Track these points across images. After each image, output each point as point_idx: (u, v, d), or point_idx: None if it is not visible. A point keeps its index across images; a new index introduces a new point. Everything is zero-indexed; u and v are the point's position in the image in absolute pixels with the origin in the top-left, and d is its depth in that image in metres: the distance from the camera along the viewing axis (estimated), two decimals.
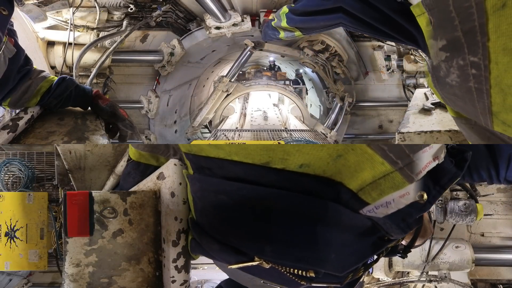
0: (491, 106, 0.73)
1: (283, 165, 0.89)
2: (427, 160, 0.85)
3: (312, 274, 1.00)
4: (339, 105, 5.16)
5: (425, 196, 0.90)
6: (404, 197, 0.88)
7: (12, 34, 1.58)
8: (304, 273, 1.01)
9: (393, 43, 4.61)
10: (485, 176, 1.31)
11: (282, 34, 2.04)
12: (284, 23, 1.86)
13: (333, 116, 5.24)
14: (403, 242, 1.37)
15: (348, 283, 1.12)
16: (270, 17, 2.27)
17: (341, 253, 0.98)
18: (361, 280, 3.08)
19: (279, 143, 3.50)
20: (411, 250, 1.34)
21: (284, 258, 1.01)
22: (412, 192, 0.88)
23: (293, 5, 1.75)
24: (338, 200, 0.90)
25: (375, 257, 1.13)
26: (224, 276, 1.53)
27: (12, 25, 1.59)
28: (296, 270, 1.01)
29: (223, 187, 1.02)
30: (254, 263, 1.03)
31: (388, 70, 4.78)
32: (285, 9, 1.86)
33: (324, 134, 4.88)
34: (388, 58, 4.73)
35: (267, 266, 1.03)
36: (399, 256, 1.32)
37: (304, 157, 0.87)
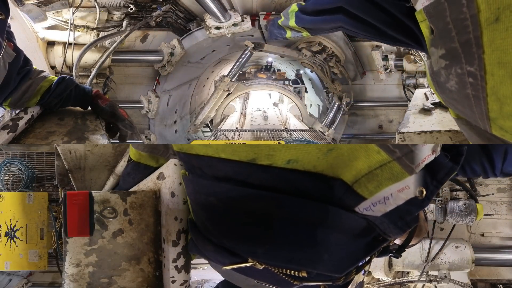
0: (488, 113, 0.73)
1: (270, 161, 0.86)
2: (426, 153, 0.82)
3: (305, 274, 0.99)
4: (337, 104, 5.18)
5: (424, 192, 0.86)
6: (403, 191, 0.83)
7: (10, 36, 1.58)
8: (296, 273, 1.00)
9: None
10: (479, 171, 1.29)
11: (289, 34, 1.95)
12: (292, 22, 1.77)
13: (331, 115, 5.27)
14: (397, 242, 1.36)
15: (340, 286, 1.12)
16: (271, 16, 2.22)
17: (334, 254, 0.96)
18: (362, 280, 3.09)
19: (279, 143, 3.50)
20: (405, 249, 1.33)
21: (276, 259, 1.00)
22: (412, 186, 0.83)
23: (303, 3, 1.66)
24: (332, 197, 0.86)
25: (367, 258, 1.11)
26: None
27: (9, 27, 1.59)
28: (288, 271, 1.00)
29: (212, 189, 1.02)
30: (247, 264, 1.03)
31: (385, 70, 4.77)
32: (294, 7, 1.76)
33: (322, 132, 4.91)
34: (385, 58, 4.73)
35: (260, 267, 1.02)
36: (392, 256, 1.30)
37: (291, 153, 0.84)
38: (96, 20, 3.71)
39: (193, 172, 1.14)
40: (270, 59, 9.43)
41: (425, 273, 3.11)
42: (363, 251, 0.99)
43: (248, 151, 0.87)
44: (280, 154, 0.84)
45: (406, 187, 0.83)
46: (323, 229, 0.91)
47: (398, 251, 1.31)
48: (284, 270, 1.01)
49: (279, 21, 2.01)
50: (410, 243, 1.39)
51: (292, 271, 1.00)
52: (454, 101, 0.84)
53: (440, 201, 2.98)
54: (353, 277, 1.09)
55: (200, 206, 1.13)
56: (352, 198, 0.86)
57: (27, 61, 1.69)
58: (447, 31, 0.70)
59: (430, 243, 3.08)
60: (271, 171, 0.87)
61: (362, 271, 1.29)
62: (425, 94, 2.36)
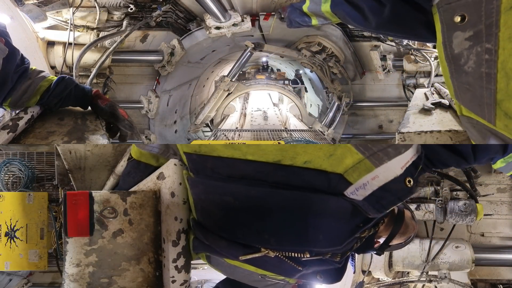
0: (496, 94, 0.89)
1: (292, 162, 1.13)
2: (392, 154, 1.13)
3: (308, 255, 1.24)
4: (336, 104, 5.18)
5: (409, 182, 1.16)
6: (375, 179, 1.13)
7: (3, 35, 1.58)
8: (301, 255, 1.23)
9: (392, 43, 4.61)
10: (451, 163, 1.44)
11: (315, 21, 1.82)
12: (326, 7, 1.63)
13: (331, 114, 5.28)
14: (380, 241, 1.41)
15: (335, 270, 1.34)
16: (271, 17, 2.12)
17: (327, 234, 1.21)
18: (362, 280, 3.09)
19: (279, 143, 3.50)
20: (388, 246, 1.40)
21: (285, 244, 1.22)
22: (380, 175, 1.12)
23: None
24: (329, 185, 1.14)
25: (352, 248, 1.34)
26: (223, 276, 1.53)
27: (5, 28, 1.60)
28: (295, 254, 1.23)
29: (229, 189, 1.18)
30: (261, 254, 1.21)
31: (384, 70, 4.77)
32: None
33: (321, 132, 4.92)
34: (384, 58, 4.73)
35: (272, 255, 1.22)
36: (374, 253, 1.48)
37: (308, 156, 1.13)
38: (96, 20, 3.71)
39: (200, 173, 1.18)
40: (264, 59, 9.40)
41: (425, 273, 3.11)
42: (349, 233, 1.24)
43: (277, 154, 1.13)
44: (301, 157, 1.13)
45: (376, 176, 1.12)
46: (318, 215, 1.17)
47: (381, 249, 1.41)
48: (292, 254, 1.23)
49: (304, 7, 1.84)
50: (397, 242, 1.44)
51: (298, 254, 1.22)
52: (466, 87, 0.99)
53: (440, 201, 2.98)
54: (339, 260, 1.31)
55: (213, 205, 1.24)
56: (343, 183, 1.14)
57: (23, 60, 1.69)
58: (479, 17, 0.91)
59: (430, 243, 3.08)
60: (290, 170, 1.13)
61: (353, 269, 1.46)
62: (425, 94, 2.36)
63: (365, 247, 1.39)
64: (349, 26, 4.51)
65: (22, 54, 1.68)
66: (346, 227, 1.22)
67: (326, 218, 1.18)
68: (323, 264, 1.30)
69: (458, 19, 0.96)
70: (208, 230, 1.28)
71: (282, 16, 2.20)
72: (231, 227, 1.24)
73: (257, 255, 1.22)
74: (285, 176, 1.14)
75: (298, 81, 9.11)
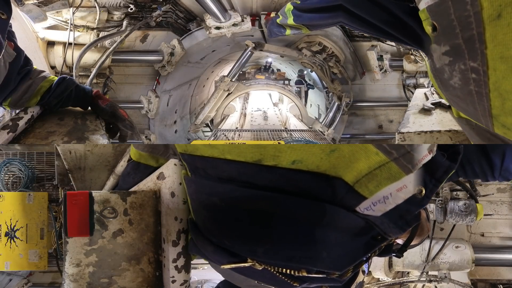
0: (491, 109, 0.75)
1: (275, 162, 0.88)
2: (423, 153, 0.84)
3: (305, 273, 1.00)
4: (336, 104, 5.19)
5: (423, 191, 0.89)
6: (401, 190, 0.86)
7: (11, 36, 1.58)
8: (296, 272, 1.01)
9: (392, 43, 4.61)
10: (478, 171, 1.31)
11: (288, 32, 2.01)
12: (290, 21, 1.82)
13: (331, 114, 5.28)
14: (399, 241, 1.36)
15: (343, 285, 1.13)
16: (272, 15, 2.26)
17: (333, 252, 0.97)
18: (362, 280, 3.08)
19: (279, 143, 3.50)
20: (407, 249, 1.32)
21: (276, 258, 1.00)
22: (410, 185, 0.86)
23: (298, 1, 1.72)
24: (334, 196, 0.88)
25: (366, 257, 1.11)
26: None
27: (10, 26, 1.59)
28: (288, 270, 1.01)
29: (215, 189, 1.03)
30: (246, 264, 1.03)
31: (381, 70, 4.77)
32: (289, 6, 1.80)
33: (321, 132, 4.92)
34: (380, 58, 4.73)
35: (259, 267, 1.03)
36: (394, 255, 1.30)
37: (296, 153, 0.86)
38: (96, 20, 3.71)
39: (196, 173, 1.14)
40: (270, 60, 9.42)
41: (425, 273, 3.11)
42: (362, 250, 1.00)
43: (254, 152, 0.89)
44: (286, 155, 0.87)
45: (404, 186, 0.86)
46: (322, 228, 0.93)
47: (400, 251, 1.31)
48: (284, 270, 1.01)
49: (278, 20, 2.05)
50: (412, 243, 1.39)
51: (292, 271, 1.01)
52: (457, 99, 0.85)
53: (440, 201, 2.98)
54: (350, 275, 1.10)
55: (202, 206, 1.14)
56: (353, 197, 0.88)
57: (27, 61, 1.69)
58: (452, 28, 0.72)
59: (430, 243, 3.08)
60: (276, 172, 0.89)
61: (366, 271, 1.29)
62: (425, 94, 2.35)
63: (384, 252, 1.20)
64: (346, 27, 4.54)
65: (26, 55, 1.68)
66: (358, 242, 0.98)
67: (331, 232, 0.94)
68: (328, 282, 1.08)
69: (429, 29, 0.80)
70: (200, 232, 1.20)
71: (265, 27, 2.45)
72: (218, 231, 1.11)
73: (241, 265, 1.04)
74: (272, 180, 0.91)
75: (303, 81, 9.09)
